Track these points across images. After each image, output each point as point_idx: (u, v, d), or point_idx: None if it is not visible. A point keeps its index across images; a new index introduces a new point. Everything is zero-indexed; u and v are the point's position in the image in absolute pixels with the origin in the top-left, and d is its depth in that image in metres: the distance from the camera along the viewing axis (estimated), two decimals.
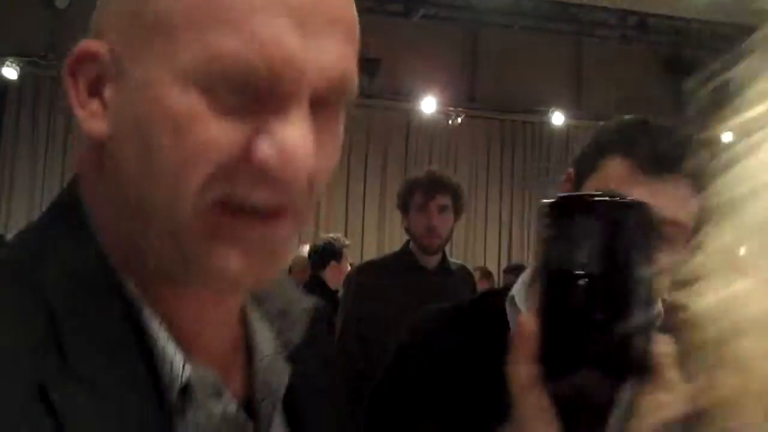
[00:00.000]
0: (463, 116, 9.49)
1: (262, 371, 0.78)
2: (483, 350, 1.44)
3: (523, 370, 0.76)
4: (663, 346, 0.73)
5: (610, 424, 0.74)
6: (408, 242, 3.56)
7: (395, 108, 9.30)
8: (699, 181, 1.39)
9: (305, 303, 0.84)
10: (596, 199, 0.75)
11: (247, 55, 0.63)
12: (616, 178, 1.37)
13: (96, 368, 0.65)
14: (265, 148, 0.64)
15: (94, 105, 0.70)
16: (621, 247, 0.73)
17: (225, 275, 0.67)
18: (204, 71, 0.64)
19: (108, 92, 0.69)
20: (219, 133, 0.64)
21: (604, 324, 0.72)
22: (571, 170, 1.49)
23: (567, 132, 9.74)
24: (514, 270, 7.37)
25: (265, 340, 0.80)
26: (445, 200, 3.48)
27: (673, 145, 1.37)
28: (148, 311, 0.70)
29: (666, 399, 0.75)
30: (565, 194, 0.77)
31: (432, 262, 3.52)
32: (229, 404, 0.72)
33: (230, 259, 0.66)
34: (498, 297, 1.51)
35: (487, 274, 7.59)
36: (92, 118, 0.69)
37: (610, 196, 0.75)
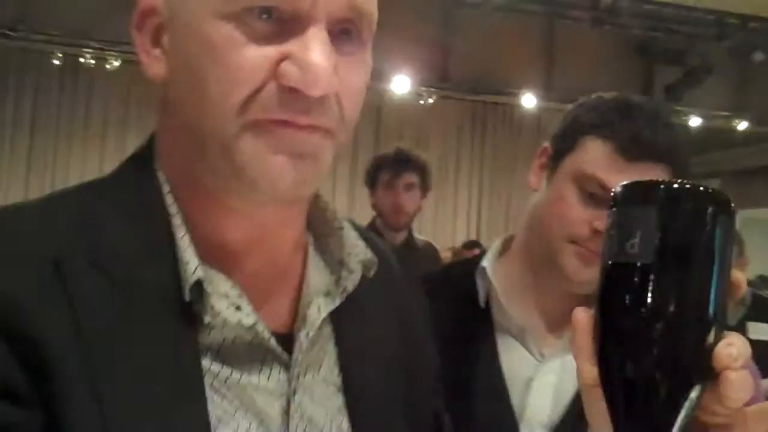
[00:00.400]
0: (435, 97, 9.49)
1: (304, 306, 0.88)
2: (452, 321, 1.46)
3: (583, 367, 0.72)
4: (731, 348, 0.67)
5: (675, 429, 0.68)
6: (374, 219, 3.58)
7: (367, 88, 9.24)
8: (675, 165, 1.40)
9: (362, 255, 0.91)
10: (664, 185, 0.68)
11: None
12: (595, 161, 1.38)
13: (119, 262, 0.77)
14: (288, 68, 0.74)
15: (156, 52, 0.82)
16: (686, 238, 0.66)
17: (270, 178, 0.77)
18: (234, 3, 0.75)
19: (165, 39, 0.81)
20: (251, 56, 0.75)
21: (664, 322, 0.66)
22: (547, 145, 1.50)
23: (538, 114, 9.77)
24: (471, 246, 7.42)
25: (318, 280, 0.91)
26: (412, 178, 3.50)
27: (653, 130, 1.37)
28: (178, 221, 0.81)
29: (728, 410, 0.69)
30: (628, 182, 0.71)
31: (398, 238, 3.54)
32: (248, 317, 0.81)
33: (273, 162, 0.77)
34: (468, 268, 1.53)
35: (459, 253, 7.63)
36: (154, 63, 0.82)
37: (683, 184, 0.68)
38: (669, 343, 0.66)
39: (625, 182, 0.71)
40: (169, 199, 0.83)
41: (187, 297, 0.78)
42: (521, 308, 1.46)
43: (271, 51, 0.75)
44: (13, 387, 0.69)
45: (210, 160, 0.79)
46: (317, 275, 0.92)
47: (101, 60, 8.54)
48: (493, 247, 1.56)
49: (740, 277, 0.70)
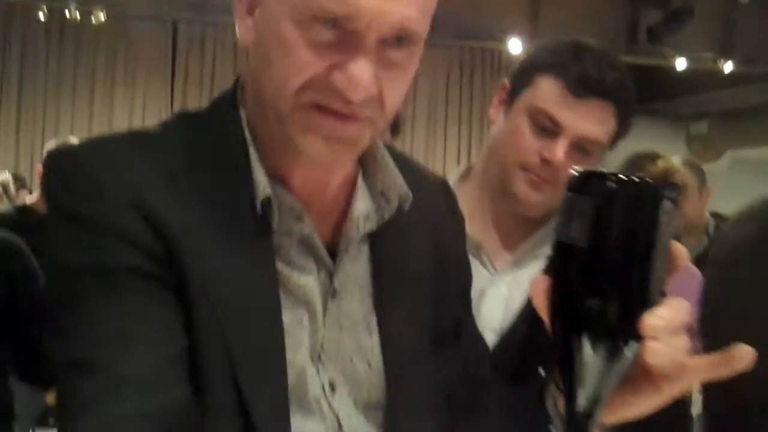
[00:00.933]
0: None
1: (347, 227, 1.09)
2: None
3: (545, 320, 0.84)
4: (657, 320, 0.78)
5: (607, 384, 0.78)
6: None
7: None
8: (620, 103, 1.53)
9: (399, 190, 1.10)
10: (599, 179, 0.77)
11: (331, 5, 0.89)
12: (547, 96, 1.55)
13: (210, 179, 1.00)
14: (338, 77, 0.92)
15: (248, 21, 1.01)
16: (616, 228, 0.75)
17: (310, 154, 0.98)
18: (304, 13, 0.91)
19: (256, 13, 0.99)
20: (309, 58, 0.92)
21: (597, 296, 0.76)
22: (506, 81, 1.67)
23: None
24: None
25: (362, 207, 1.10)
26: None
27: (600, 70, 1.53)
28: (253, 151, 1.02)
29: (652, 369, 0.81)
30: (578, 170, 0.80)
31: None
32: (307, 227, 1.04)
33: (314, 144, 0.96)
34: None
35: None
36: (245, 32, 1.01)
37: (618, 179, 0.76)
38: (602, 313, 0.77)
39: (576, 169, 0.80)
40: (247, 133, 1.04)
41: (259, 208, 0.99)
42: (478, 228, 1.59)
43: (325, 57, 0.92)
44: (153, 252, 0.93)
45: (270, 123, 0.99)
46: (362, 203, 1.11)
47: (87, 14, 8.52)
48: (454, 173, 1.73)
49: (682, 250, 0.80)
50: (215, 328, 0.95)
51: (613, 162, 3.30)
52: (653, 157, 3.25)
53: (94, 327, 0.91)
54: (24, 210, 3.98)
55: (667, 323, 0.78)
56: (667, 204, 0.76)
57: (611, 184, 0.76)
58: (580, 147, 1.55)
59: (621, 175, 0.76)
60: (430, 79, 10.36)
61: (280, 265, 1.02)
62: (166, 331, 0.93)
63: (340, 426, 1.05)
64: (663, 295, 0.79)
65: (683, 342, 0.81)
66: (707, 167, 4.38)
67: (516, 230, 1.65)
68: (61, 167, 0.99)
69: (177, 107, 9.47)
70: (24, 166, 9.00)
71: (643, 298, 0.77)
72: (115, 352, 0.90)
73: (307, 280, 1.04)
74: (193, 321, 0.95)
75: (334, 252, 1.08)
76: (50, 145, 4.00)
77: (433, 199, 1.24)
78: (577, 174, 0.79)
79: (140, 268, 0.93)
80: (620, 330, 0.77)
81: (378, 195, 1.11)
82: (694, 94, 10.36)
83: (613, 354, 0.78)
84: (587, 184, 0.77)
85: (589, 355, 0.78)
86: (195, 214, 0.96)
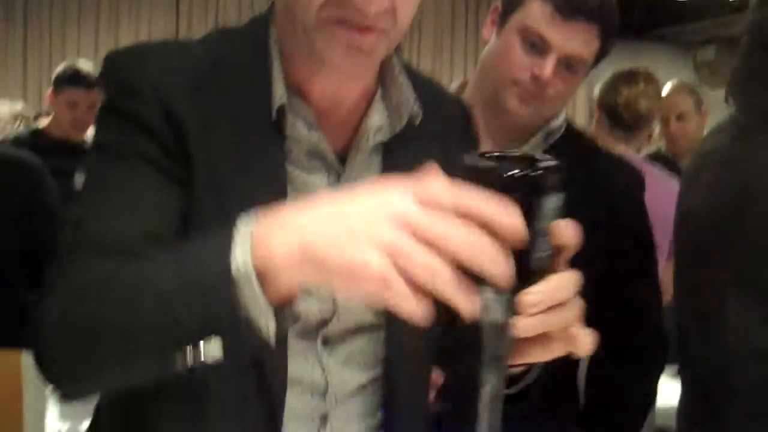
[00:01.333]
0: None
1: (359, 136, 1.18)
2: None
3: None
4: (530, 297, 0.83)
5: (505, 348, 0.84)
6: None
7: None
8: (604, 25, 1.66)
9: (411, 107, 1.19)
10: (493, 173, 0.82)
11: None
12: (537, 17, 1.68)
13: (233, 87, 1.11)
14: None
15: None
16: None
17: (333, 62, 1.07)
18: None
19: None
20: None
21: None
22: (498, 5, 1.81)
23: None
24: None
25: (376, 120, 1.19)
26: None
27: None
28: (277, 64, 1.13)
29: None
30: (475, 155, 0.86)
31: None
32: (316, 133, 1.14)
33: (336, 52, 1.05)
34: None
35: None
36: None
37: (499, 160, 0.83)
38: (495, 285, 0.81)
39: (475, 155, 0.87)
40: (273, 48, 1.14)
41: (274, 115, 1.09)
42: None
43: None
44: (167, 147, 1.06)
45: (298, 37, 1.08)
46: (376, 116, 1.19)
47: None
48: (450, 89, 1.85)
49: (567, 231, 0.84)
50: (220, 220, 1.05)
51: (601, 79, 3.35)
52: (629, 79, 3.29)
53: (96, 193, 1.08)
54: (37, 133, 4.18)
55: (540, 300, 0.83)
56: (545, 189, 0.82)
57: (493, 172, 0.82)
58: (567, 64, 1.69)
59: (507, 160, 0.83)
60: (435, 11, 10.32)
61: (290, 167, 1.12)
62: (159, 213, 1.06)
63: (335, 310, 1.14)
64: (546, 271, 0.84)
65: (560, 316, 0.85)
66: (715, 93, 4.42)
67: (506, 142, 1.78)
68: (111, 70, 1.15)
69: (182, 35, 9.49)
70: (32, 93, 9.07)
71: (523, 276, 0.82)
72: (103, 215, 1.04)
73: (315, 179, 1.15)
74: (197, 216, 1.06)
75: (345, 161, 1.18)
76: (59, 68, 4.14)
77: (449, 115, 1.32)
78: (468, 159, 0.86)
79: (152, 157, 1.06)
80: (509, 302, 0.82)
81: (393, 110, 1.20)
82: (700, 20, 10.31)
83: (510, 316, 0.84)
84: (479, 169, 0.84)
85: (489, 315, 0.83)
86: (214, 118, 1.08)
